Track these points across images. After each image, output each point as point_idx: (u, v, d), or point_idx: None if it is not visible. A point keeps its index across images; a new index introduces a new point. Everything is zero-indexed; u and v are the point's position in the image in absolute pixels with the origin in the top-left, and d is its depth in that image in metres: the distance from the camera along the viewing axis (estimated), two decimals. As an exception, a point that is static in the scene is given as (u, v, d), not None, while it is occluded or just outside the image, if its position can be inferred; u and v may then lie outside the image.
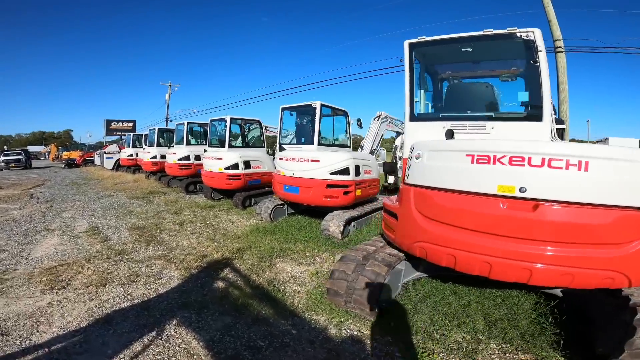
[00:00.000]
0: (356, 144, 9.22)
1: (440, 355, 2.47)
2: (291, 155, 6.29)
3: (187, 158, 10.90)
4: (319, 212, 6.88)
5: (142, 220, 6.98)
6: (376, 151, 8.55)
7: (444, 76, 4.20)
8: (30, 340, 2.56)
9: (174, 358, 2.41)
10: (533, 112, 2.99)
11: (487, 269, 2.44)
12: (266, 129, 9.78)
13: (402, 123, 10.20)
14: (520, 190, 2.34)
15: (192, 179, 10.95)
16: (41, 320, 2.82)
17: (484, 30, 3.12)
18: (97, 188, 12.49)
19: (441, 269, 3.22)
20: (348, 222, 5.76)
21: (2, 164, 24.45)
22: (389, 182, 9.84)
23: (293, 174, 6.17)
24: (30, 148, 44.68)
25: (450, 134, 2.98)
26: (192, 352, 2.49)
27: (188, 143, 11.40)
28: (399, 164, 10.58)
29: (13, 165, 24.60)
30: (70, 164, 25.95)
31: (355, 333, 2.78)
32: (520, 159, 2.35)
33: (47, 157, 44.83)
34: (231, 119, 8.78)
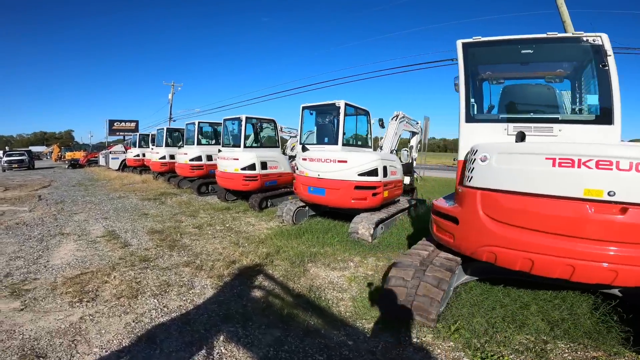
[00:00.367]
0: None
1: (510, 357, 2.42)
2: (316, 156, 6.04)
3: (199, 158, 10.65)
4: (341, 214, 6.65)
5: (159, 223, 6.74)
6: (399, 151, 8.29)
7: (484, 77, 4.08)
8: (71, 362, 2.32)
9: (230, 382, 2.18)
10: (603, 115, 2.93)
11: (570, 272, 2.44)
12: (281, 129, 9.53)
13: (417, 123, 10.08)
14: (609, 194, 2.32)
15: (204, 180, 10.68)
16: (77, 338, 2.57)
17: (547, 33, 3.16)
18: (106, 189, 12.24)
19: (491, 272, 3.34)
20: (377, 225, 5.53)
21: (5, 164, 24.21)
22: (404, 182, 9.64)
23: (319, 175, 5.92)
24: (32, 148, 44.42)
25: (521, 137, 2.87)
26: (248, 374, 2.26)
27: (199, 143, 11.13)
28: (414, 165, 10.39)
29: (16, 165, 24.35)
30: (74, 164, 25.73)
31: (415, 340, 2.66)
32: (608, 163, 2.33)
33: (49, 157, 44.62)
34: (246, 118, 8.53)
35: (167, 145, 13.44)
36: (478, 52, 3.44)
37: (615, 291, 3.04)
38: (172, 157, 12.91)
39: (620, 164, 2.29)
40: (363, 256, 4.79)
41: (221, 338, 2.66)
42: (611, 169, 2.30)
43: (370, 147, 7.32)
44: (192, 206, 8.66)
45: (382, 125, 7.50)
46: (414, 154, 10.11)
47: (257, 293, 3.55)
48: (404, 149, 8.51)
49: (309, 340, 2.68)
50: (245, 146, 8.46)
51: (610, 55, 2.93)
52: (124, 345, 2.49)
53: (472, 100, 3.37)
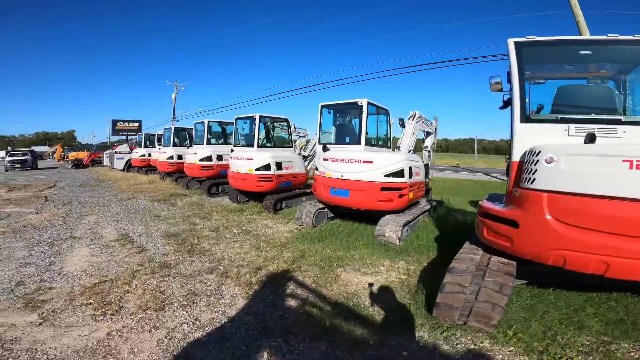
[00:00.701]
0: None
1: (578, 358, 2.36)
2: (339, 156, 5.79)
3: (209, 158, 10.38)
4: (362, 216, 6.40)
5: (173, 226, 6.49)
6: (416, 152, 8.03)
7: (528, 76, 3.94)
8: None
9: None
10: None
11: None
12: (295, 128, 9.28)
13: (432, 123, 9.82)
14: None
15: (214, 181, 10.41)
16: (109, 359, 2.32)
17: (608, 35, 3.08)
18: (113, 190, 12.00)
19: (540, 275, 3.28)
20: (403, 227, 5.28)
21: (8, 164, 23.98)
22: None
23: (342, 176, 5.67)
24: (35, 148, 44.24)
25: (590, 138, 2.72)
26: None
27: (209, 143, 10.87)
28: (429, 165, 10.13)
29: (19, 166, 24.13)
30: (78, 164, 25.51)
31: (471, 347, 2.54)
32: None
33: (52, 157, 44.46)
34: (260, 116, 8.28)
35: (174, 145, 13.19)
36: (533, 51, 3.33)
37: None
38: (179, 157, 12.66)
39: None
40: (392, 260, 4.57)
41: (265, 355, 2.42)
42: None
43: (390, 147, 7.07)
44: (204, 208, 8.41)
45: (402, 125, 7.24)
46: (430, 155, 9.87)
47: (291, 302, 3.31)
48: (426, 149, 8.25)
49: (359, 353, 2.49)
50: (258, 146, 8.21)
51: None
52: (161, 367, 2.24)
53: (527, 99, 3.17)
